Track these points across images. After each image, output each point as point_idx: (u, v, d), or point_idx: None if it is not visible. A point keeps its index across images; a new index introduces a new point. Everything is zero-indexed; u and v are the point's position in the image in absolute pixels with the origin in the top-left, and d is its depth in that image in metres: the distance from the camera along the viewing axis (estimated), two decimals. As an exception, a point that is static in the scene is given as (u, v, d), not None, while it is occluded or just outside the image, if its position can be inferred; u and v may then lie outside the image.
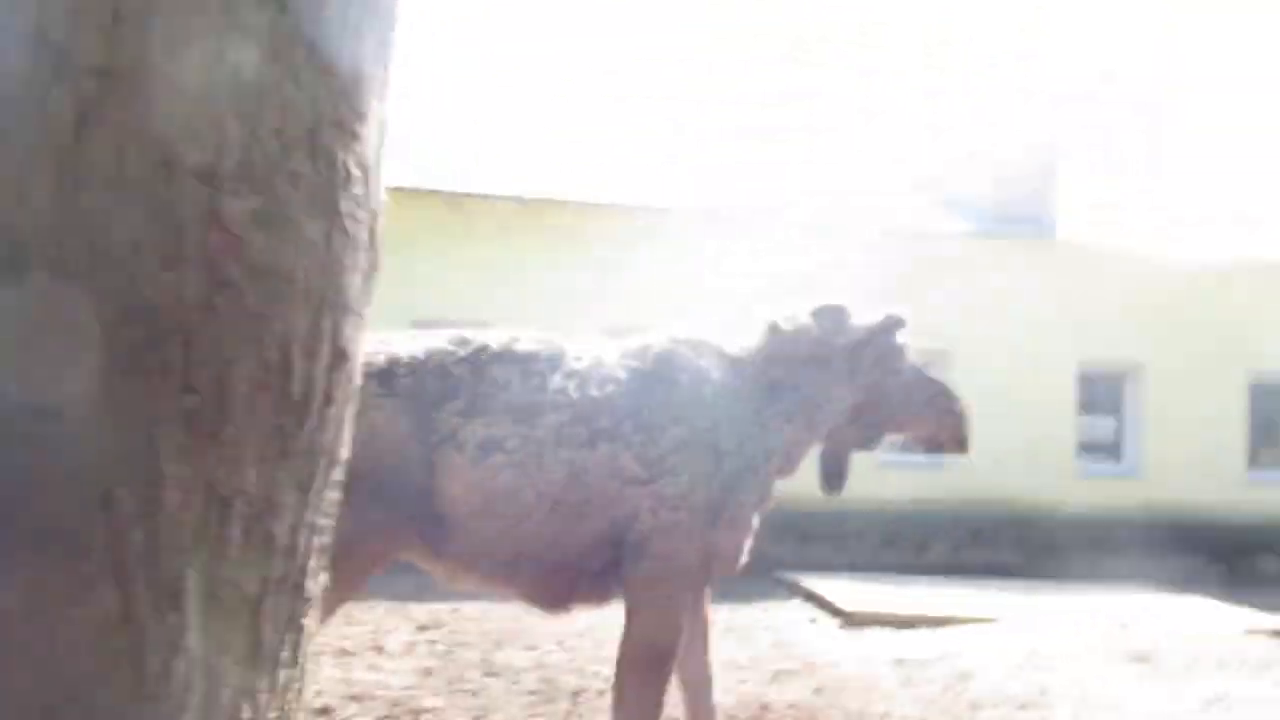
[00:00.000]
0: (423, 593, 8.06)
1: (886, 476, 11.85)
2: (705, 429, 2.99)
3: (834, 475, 3.50)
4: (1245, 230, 16.97)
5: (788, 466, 3.32)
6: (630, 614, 3.11)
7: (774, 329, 3.29)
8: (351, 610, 7.07)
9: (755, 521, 3.24)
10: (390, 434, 2.70)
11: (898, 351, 3.47)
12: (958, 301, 12.74)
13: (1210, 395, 12.93)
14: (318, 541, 1.11)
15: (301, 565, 1.08)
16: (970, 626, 7.59)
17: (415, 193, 11.19)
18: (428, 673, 5.45)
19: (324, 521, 1.13)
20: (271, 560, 1.04)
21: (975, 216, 13.90)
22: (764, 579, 9.45)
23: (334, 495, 1.18)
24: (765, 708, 4.93)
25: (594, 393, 2.89)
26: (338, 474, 1.18)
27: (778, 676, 5.72)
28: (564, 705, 4.90)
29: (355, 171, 1.07)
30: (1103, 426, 13.53)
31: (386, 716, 4.58)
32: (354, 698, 4.80)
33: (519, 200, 11.48)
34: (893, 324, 3.42)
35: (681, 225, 11.06)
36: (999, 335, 12.50)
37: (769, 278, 11.93)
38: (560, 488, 2.82)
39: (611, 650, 6.21)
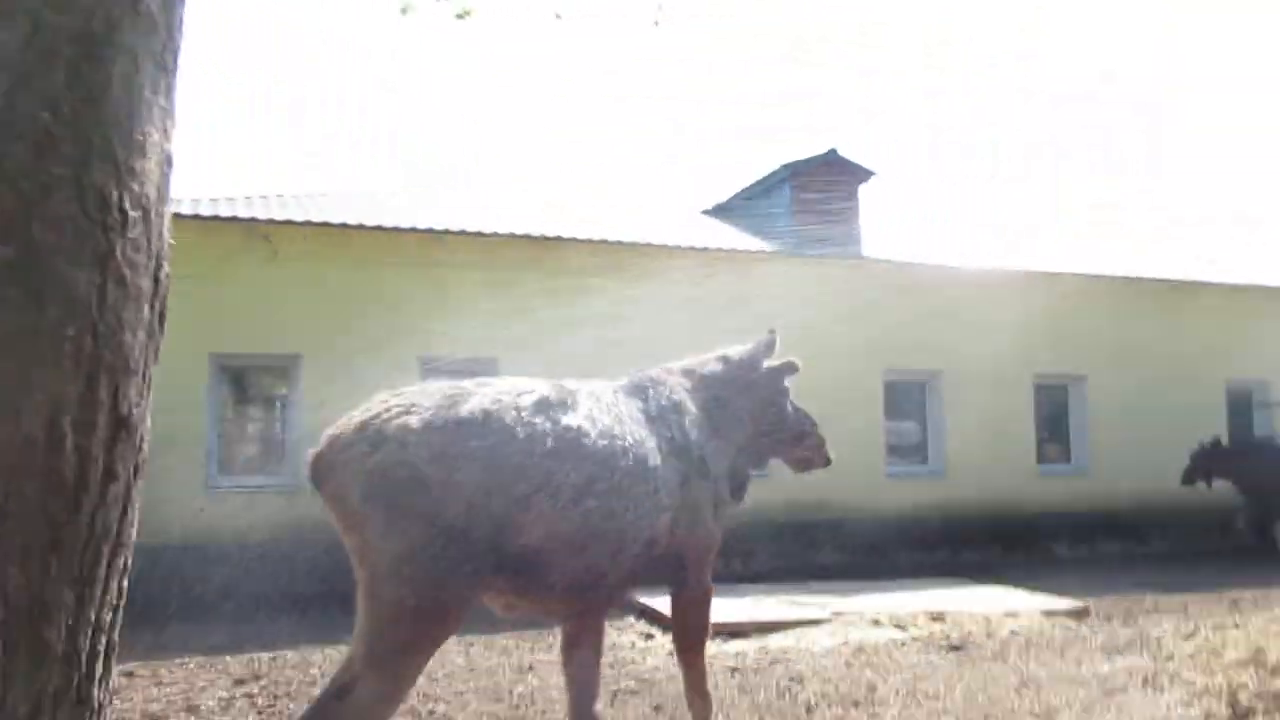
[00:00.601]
0: (239, 643, 7.61)
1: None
2: (698, 457, 3.64)
3: (739, 488, 4.19)
4: (1023, 241, 18.30)
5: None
6: (681, 601, 3.77)
7: (725, 359, 4.26)
8: (158, 669, 6.57)
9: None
10: (489, 485, 2.82)
11: (785, 390, 4.42)
12: (777, 318, 13.15)
13: (1002, 397, 13.83)
14: (105, 643, 0.95)
15: (87, 673, 0.92)
16: (799, 630, 7.79)
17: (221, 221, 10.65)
18: (247, 730, 5.10)
19: (111, 618, 0.97)
20: (45, 671, 0.88)
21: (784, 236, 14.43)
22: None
23: (123, 586, 1.02)
24: (605, 731, 4.87)
25: (633, 434, 3.32)
26: (125, 562, 1.02)
27: (617, 696, 5.68)
28: (396, 751, 4.68)
29: (132, 212, 0.92)
30: (908, 430, 14.25)
31: (202, 784, 4.23)
32: (164, 767, 4.42)
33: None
34: (789, 368, 4.42)
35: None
36: (811, 348, 12.96)
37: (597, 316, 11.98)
38: (630, 521, 3.19)
39: (446, 686, 6.04)
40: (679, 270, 12.77)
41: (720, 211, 16.58)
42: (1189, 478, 12.70)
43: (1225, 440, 13.65)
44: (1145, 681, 5.68)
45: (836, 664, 6.56)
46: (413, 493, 2.71)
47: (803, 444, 4.51)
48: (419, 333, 11.68)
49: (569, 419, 3.09)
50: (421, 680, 6.19)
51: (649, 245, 12.54)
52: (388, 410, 2.86)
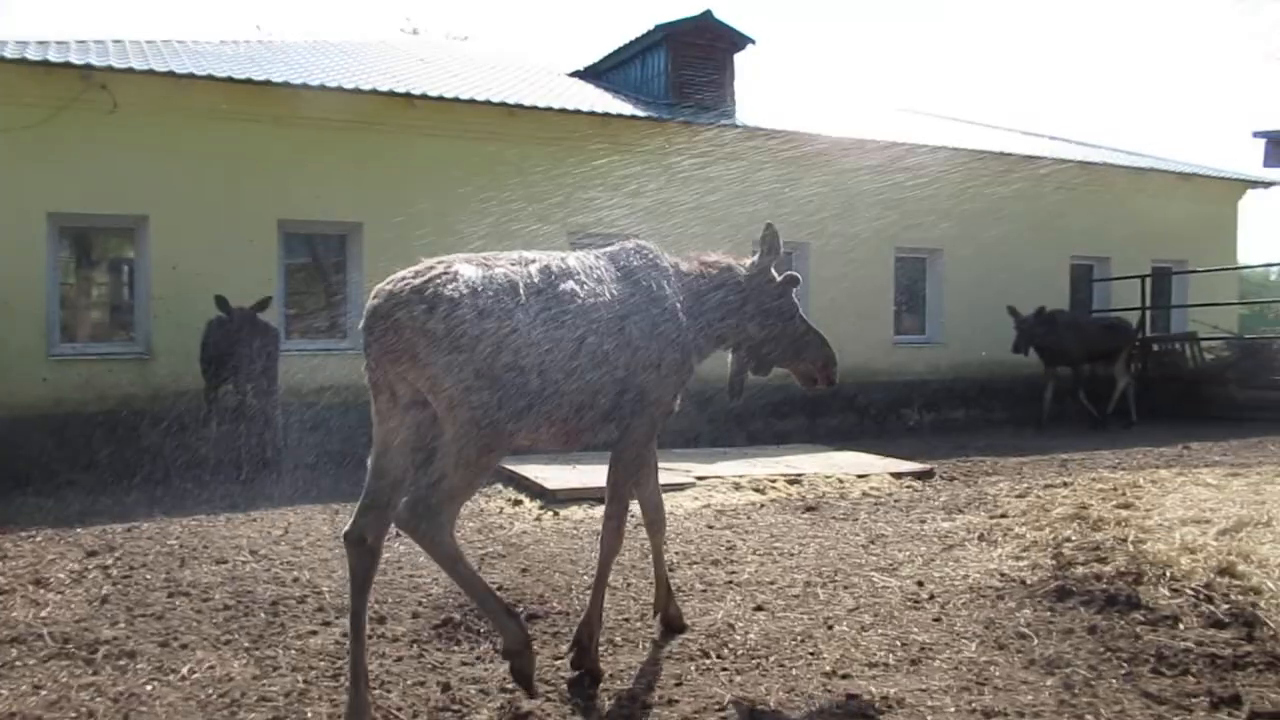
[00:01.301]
0: (90, 516, 7.38)
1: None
2: (658, 318, 3.97)
3: (735, 387, 4.61)
4: (893, 115, 18.55)
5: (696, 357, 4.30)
6: (622, 439, 4.02)
7: (708, 262, 4.43)
8: (2, 543, 6.32)
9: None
10: (509, 334, 3.47)
11: (792, 305, 4.50)
12: (648, 184, 13.09)
13: (865, 269, 14.23)
14: None
15: None
16: (664, 494, 8.03)
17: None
18: (103, 601, 4.98)
19: None
20: None
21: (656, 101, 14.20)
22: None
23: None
24: (473, 594, 4.96)
25: (613, 291, 3.88)
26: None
27: (484, 561, 5.78)
28: (262, 618, 4.67)
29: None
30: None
31: (57, 655, 4.13)
32: (14, 641, 4.29)
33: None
34: (790, 281, 4.48)
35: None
36: (680, 218, 12.98)
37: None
38: (602, 361, 3.73)
39: (311, 554, 6.02)
40: (549, 133, 12.50)
41: (590, 74, 16.16)
42: (1016, 347, 13.41)
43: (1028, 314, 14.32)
44: (981, 537, 6.11)
45: (699, 526, 6.83)
46: (464, 344, 3.41)
47: (802, 359, 4.56)
48: (277, 194, 11.15)
49: (567, 285, 3.71)
50: (284, 548, 6.18)
51: (519, 106, 12.16)
52: (439, 276, 3.49)
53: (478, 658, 4.10)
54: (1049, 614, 4.50)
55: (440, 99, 11.75)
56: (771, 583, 5.25)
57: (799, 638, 4.29)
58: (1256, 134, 5.66)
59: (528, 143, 12.37)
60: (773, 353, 4.51)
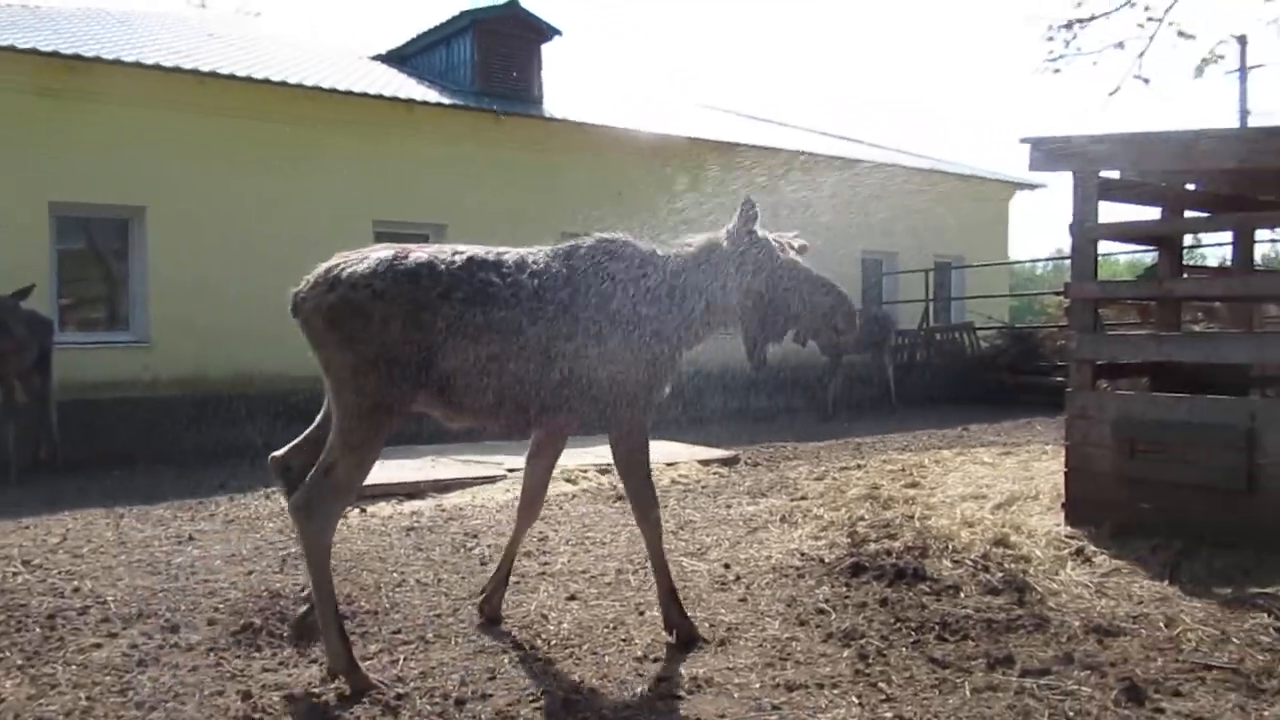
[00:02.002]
0: None
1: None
2: (622, 307, 3.92)
3: (753, 355, 4.30)
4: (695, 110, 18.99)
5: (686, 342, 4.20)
6: (613, 439, 4.18)
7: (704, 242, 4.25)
8: None
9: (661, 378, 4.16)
10: (416, 321, 3.62)
11: (769, 250, 4.18)
12: (450, 173, 12.89)
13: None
14: None
15: None
16: (475, 488, 7.97)
17: None
18: None
19: None
20: None
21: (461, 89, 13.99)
22: (264, 465, 9.05)
23: None
24: (276, 595, 4.76)
25: (547, 282, 3.86)
26: None
27: (287, 561, 5.55)
28: (38, 633, 4.31)
29: None
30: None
31: None
32: None
33: None
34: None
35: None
36: (492, 206, 12.86)
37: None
38: (525, 350, 3.77)
39: (93, 561, 5.61)
40: (350, 118, 12.11)
41: (394, 59, 15.73)
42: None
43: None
44: (783, 519, 6.38)
45: (511, 518, 6.76)
46: (358, 323, 3.59)
47: (800, 322, 4.25)
48: (47, 173, 10.30)
49: (486, 274, 3.79)
50: (63, 557, 5.73)
51: (318, 89, 11.71)
52: (345, 261, 3.71)
53: (281, 663, 3.93)
54: (845, 589, 4.75)
55: (233, 78, 11.16)
56: (584, 572, 5.30)
57: (611, 625, 4.35)
58: (1023, 140, 6.12)
59: (328, 127, 11.94)
60: (779, 320, 4.24)
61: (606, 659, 3.93)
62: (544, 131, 13.72)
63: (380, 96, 12.28)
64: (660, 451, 9.60)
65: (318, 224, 11.68)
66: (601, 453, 9.36)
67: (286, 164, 11.59)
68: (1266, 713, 3.19)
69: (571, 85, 17.33)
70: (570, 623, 4.39)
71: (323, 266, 3.74)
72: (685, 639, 4.07)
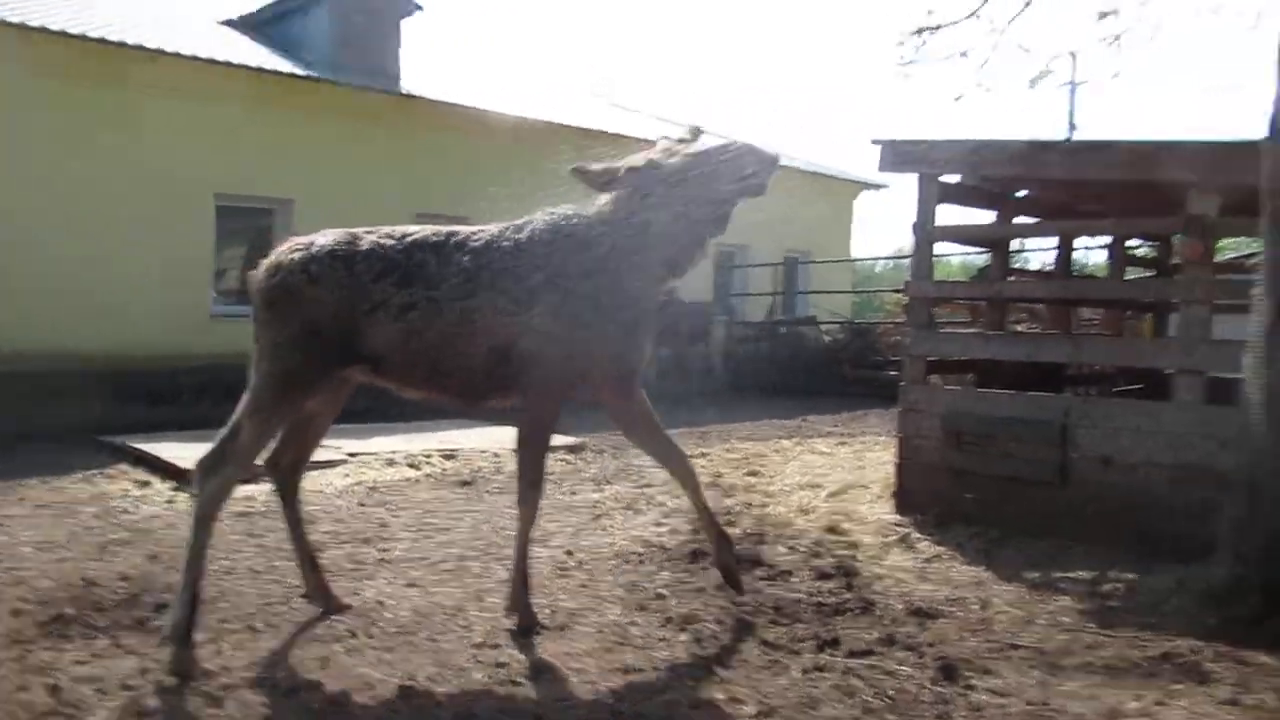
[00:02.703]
0: None
1: (216, 329, 11.34)
2: (558, 274, 3.93)
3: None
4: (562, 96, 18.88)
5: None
6: (521, 410, 4.14)
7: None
8: None
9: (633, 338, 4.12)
10: (345, 302, 3.87)
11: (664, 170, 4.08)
12: (301, 148, 12.43)
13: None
14: None
15: None
16: (313, 473, 7.69)
17: None
18: None
19: None
20: None
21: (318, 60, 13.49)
22: (84, 445, 8.53)
23: None
24: (91, 583, 4.50)
25: (481, 260, 3.96)
26: None
27: (106, 548, 5.26)
28: None
29: None
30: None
31: None
32: None
33: None
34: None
35: None
36: (346, 183, 12.47)
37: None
38: (453, 326, 3.90)
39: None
40: (195, 85, 11.50)
41: (245, 25, 15.01)
42: None
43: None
44: (627, 506, 6.45)
45: (349, 504, 6.63)
46: (289, 303, 3.89)
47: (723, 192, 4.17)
48: None
49: (420, 255, 3.94)
50: None
51: (160, 52, 11.04)
52: (288, 247, 4.01)
53: (95, 655, 3.71)
54: (685, 575, 4.84)
55: (63, 34, 10.40)
56: (424, 559, 5.22)
57: (451, 612, 4.30)
58: (875, 141, 6.35)
59: (166, 93, 11.29)
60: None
61: (445, 646, 3.89)
62: (402, 108, 13.36)
63: (227, 64, 11.69)
64: (508, 437, 9.53)
65: (152, 196, 11.06)
66: (446, 437, 9.27)
67: (118, 131, 10.90)
68: (1064, 687, 3.43)
69: (434, 63, 16.95)
70: (409, 610, 4.32)
71: (275, 251, 4.05)
72: (526, 625, 4.06)
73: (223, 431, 3.96)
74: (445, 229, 4.10)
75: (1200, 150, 5.34)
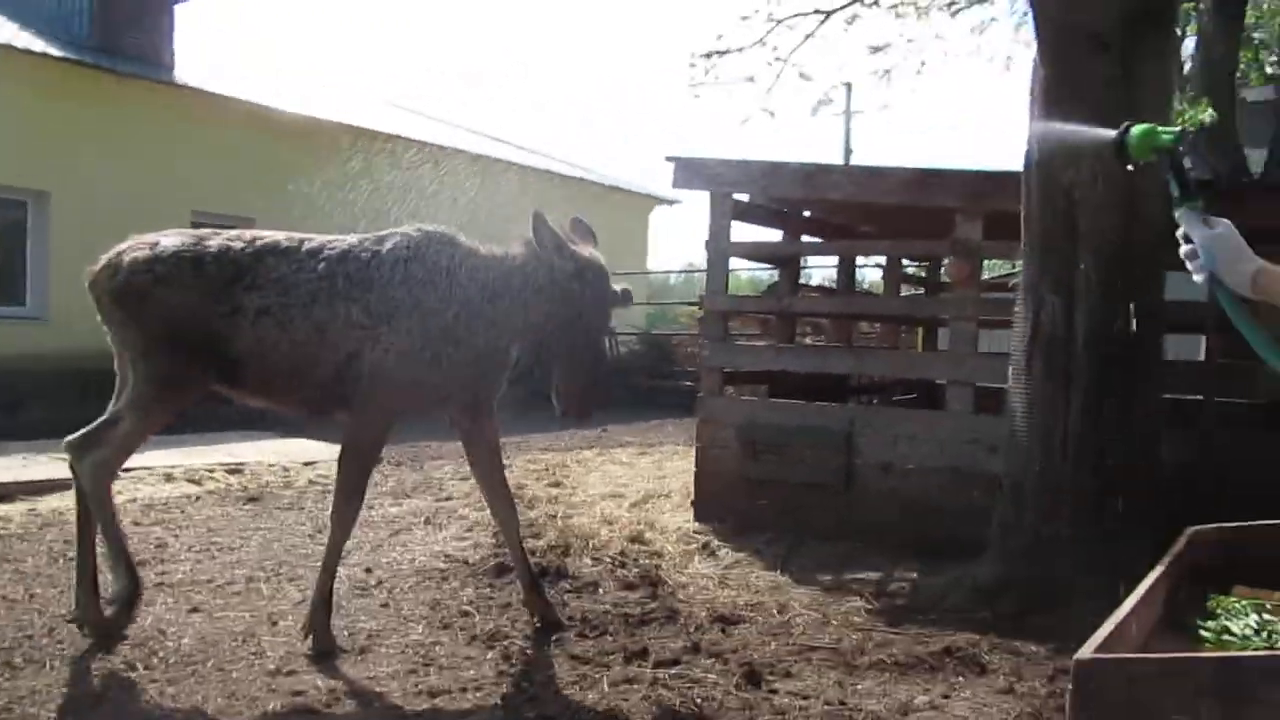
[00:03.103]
0: None
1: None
2: (418, 295, 3.86)
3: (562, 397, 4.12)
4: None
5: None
6: (349, 419, 4.05)
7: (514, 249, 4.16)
8: None
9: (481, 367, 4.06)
10: (197, 305, 3.80)
11: (572, 298, 4.08)
12: (57, 135, 11.45)
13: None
14: None
15: None
16: (68, 493, 7.07)
17: None
18: None
19: None
20: None
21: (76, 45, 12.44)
22: None
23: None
24: None
25: (336, 269, 3.89)
26: None
27: None
28: None
29: None
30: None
31: None
32: None
33: None
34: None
35: None
36: (108, 176, 11.58)
37: None
38: (305, 335, 3.83)
39: None
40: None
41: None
42: None
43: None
44: (428, 520, 6.29)
45: (123, 524, 6.11)
46: (140, 305, 3.84)
47: (563, 372, 4.05)
48: None
49: (272, 260, 3.88)
50: None
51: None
52: (132, 246, 3.93)
53: None
54: (489, 590, 4.77)
55: None
56: (209, 581, 4.89)
57: (240, 637, 4.05)
58: (669, 158, 6.50)
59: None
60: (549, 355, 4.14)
61: (235, 675, 3.65)
62: (174, 99, 12.53)
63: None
64: (298, 449, 9.13)
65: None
66: (230, 450, 8.75)
67: None
68: (860, 685, 3.61)
69: (213, 54, 16.02)
70: (193, 637, 4.03)
71: (115, 248, 3.96)
72: (323, 649, 3.88)
73: (100, 419, 3.97)
74: (297, 235, 4.07)
75: (965, 179, 5.79)
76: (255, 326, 3.83)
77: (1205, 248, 1.95)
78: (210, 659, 3.80)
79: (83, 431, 3.96)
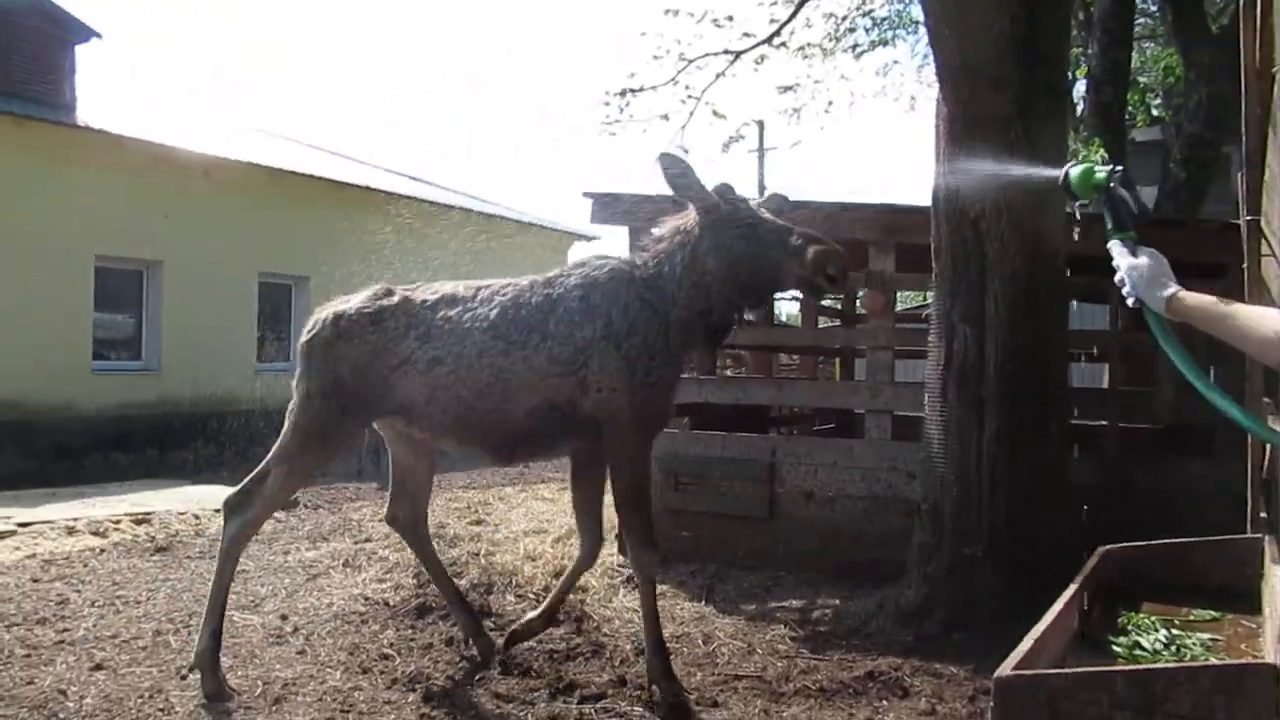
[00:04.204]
0: None
1: None
2: (604, 326, 3.68)
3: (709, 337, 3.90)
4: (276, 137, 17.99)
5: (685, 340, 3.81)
6: (611, 464, 3.83)
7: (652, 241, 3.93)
8: None
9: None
10: (372, 357, 3.93)
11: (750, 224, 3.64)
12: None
13: (224, 292, 13.54)
14: None
15: None
16: (-28, 546, 6.74)
17: None
18: None
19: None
20: None
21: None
22: None
23: None
24: None
25: (510, 315, 3.81)
26: None
27: None
28: None
29: None
30: (121, 324, 13.19)
31: None
32: None
33: None
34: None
35: None
36: (6, 220, 11.18)
37: None
38: (485, 383, 3.77)
39: None
40: None
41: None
42: None
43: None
44: (346, 563, 6.14)
45: (21, 580, 5.83)
46: (318, 358, 4.01)
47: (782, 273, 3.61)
48: None
49: (446, 310, 3.91)
50: None
51: None
52: (330, 306, 4.12)
53: None
54: (411, 632, 4.66)
55: None
56: (114, 636, 4.68)
57: (147, 694, 3.88)
58: (586, 194, 6.53)
59: None
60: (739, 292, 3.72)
61: (141, 733, 3.49)
62: (75, 141, 12.17)
63: None
64: (209, 496, 8.83)
65: None
66: (136, 500, 8.43)
67: None
68: (786, 713, 3.61)
69: (116, 94, 15.66)
70: (95, 696, 3.85)
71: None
72: (211, 692, 3.80)
73: (254, 472, 4.06)
74: (471, 284, 4.03)
75: (877, 212, 5.94)
76: (424, 375, 3.84)
77: (1129, 275, 2.15)
78: (115, 718, 3.63)
79: (238, 489, 4.06)
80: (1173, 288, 2.09)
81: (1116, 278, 2.20)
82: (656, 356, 3.70)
